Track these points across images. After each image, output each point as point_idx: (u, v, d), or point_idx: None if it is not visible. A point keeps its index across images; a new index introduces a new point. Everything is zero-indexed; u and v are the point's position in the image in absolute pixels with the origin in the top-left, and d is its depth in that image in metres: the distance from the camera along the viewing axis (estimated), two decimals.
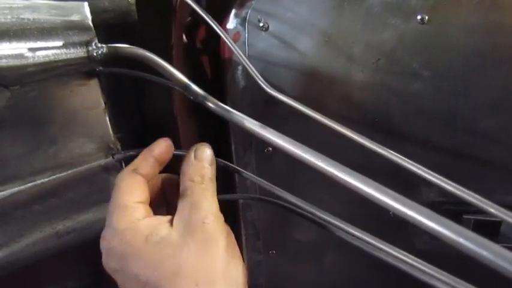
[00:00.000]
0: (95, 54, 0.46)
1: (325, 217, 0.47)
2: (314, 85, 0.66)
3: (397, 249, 0.45)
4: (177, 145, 0.55)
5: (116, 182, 0.46)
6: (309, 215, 0.49)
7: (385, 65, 0.63)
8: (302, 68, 0.66)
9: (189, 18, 0.73)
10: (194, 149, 0.48)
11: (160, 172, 0.53)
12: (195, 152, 0.48)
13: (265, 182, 0.51)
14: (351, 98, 0.65)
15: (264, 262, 0.83)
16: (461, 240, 0.31)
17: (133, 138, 0.71)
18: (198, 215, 0.42)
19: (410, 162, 0.47)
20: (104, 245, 0.45)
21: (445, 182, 0.49)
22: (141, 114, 0.75)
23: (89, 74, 0.51)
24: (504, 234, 0.66)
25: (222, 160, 0.53)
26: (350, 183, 0.37)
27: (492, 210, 0.46)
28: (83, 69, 0.49)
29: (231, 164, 0.52)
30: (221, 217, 0.44)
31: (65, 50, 0.45)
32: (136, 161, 0.48)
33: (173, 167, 0.65)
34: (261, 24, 0.64)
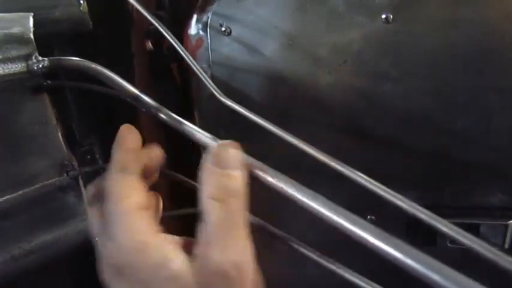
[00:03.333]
0: (35, 68, 0.44)
1: (277, 232, 0.45)
2: (281, 89, 0.64)
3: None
4: None
5: (108, 189, 0.39)
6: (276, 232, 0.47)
7: (352, 66, 0.60)
8: (268, 72, 0.63)
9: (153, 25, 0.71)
10: (215, 151, 0.37)
11: None
12: (216, 154, 0.37)
13: None
14: (319, 101, 0.63)
15: None
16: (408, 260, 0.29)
17: (106, 150, 0.68)
18: (221, 259, 0.32)
19: (367, 179, 0.43)
20: (107, 260, 0.38)
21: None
22: (112, 124, 0.73)
23: (36, 89, 0.48)
24: (483, 237, 0.64)
25: (180, 175, 0.51)
26: (296, 197, 0.35)
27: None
28: (27, 83, 0.46)
29: (190, 181, 0.50)
30: (251, 265, 0.34)
31: (2, 65, 0.43)
32: (118, 160, 0.40)
33: None
34: (223, 29, 0.62)
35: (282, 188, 0.37)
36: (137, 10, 0.62)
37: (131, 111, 0.70)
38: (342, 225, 0.33)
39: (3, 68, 0.43)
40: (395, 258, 0.30)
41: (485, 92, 0.59)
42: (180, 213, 0.69)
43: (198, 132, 0.43)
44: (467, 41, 0.57)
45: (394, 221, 0.65)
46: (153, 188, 0.76)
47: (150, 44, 0.73)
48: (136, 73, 0.67)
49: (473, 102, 0.60)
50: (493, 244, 0.64)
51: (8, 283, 0.55)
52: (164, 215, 0.67)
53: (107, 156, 0.70)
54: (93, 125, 0.69)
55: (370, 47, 0.59)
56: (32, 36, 0.45)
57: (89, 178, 0.60)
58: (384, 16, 0.57)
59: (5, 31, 0.45)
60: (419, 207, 0.36)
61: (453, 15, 0.56)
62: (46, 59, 0.44)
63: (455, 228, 0.35)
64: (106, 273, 0.38)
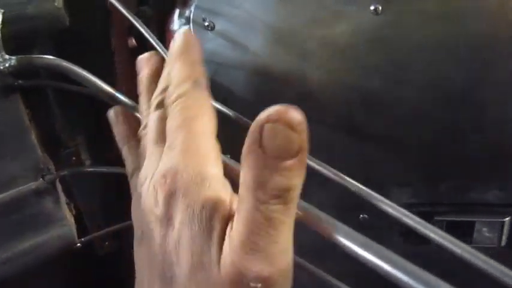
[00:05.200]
0: (1, 67, 0.41)
1: None
2: (268, 85, 0.61)
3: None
4: None
5: (187, 102, 0.32)
6: None
7: (341, 60, 0.58)
8: (254, 67, 0.61)
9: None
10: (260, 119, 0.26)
11: None
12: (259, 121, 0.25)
13: None
14: (308, 97, 0.60)
15: None
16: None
17: (92, 150, 0.66)
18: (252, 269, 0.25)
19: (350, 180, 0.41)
20: (158, 180, 0.30)
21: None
22: (98, 124, 0.71)
23: (5, 89, 0.45)
24: (478, 234, 0.62)
25: None
26: None
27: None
28: None
29: None
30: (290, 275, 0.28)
31: None
32: (191, 72, 0.35)
33: None
34: (206, 24, 0.59)
35: None
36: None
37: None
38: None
39: None
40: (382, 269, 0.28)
41: (481, 86, 0.57)
42: None
43: None
44: (461, 33, 0.54)
45: (387, 220, 0.63)
46: None
47: (133, 41, 0.71)
48: (117, 71, 0.65)
49: (468, 97, 0.58)
50: (489, 242, 0.63)
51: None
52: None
53: (93, 157, 0.68)
54: (78, 125, 0.66)
55: (359, 40, 0.57)
56: None
57: (72, 180, 0.58)
58: (372, 7, 0.54)
59: None
60: (408, 213, 0.34)
61: (445, 6, 0.54)
62: (14, 57, 0.42)
63: (445, 235, 0.33)
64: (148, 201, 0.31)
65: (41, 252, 0.55)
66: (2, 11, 0.47)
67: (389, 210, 0.36)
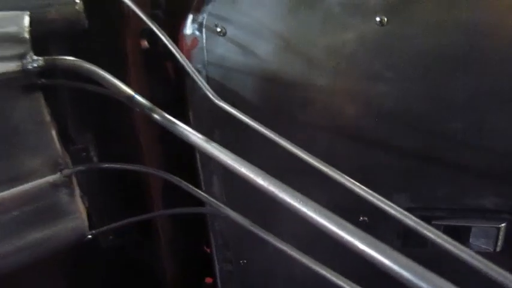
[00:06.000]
0: (30, 67, 0.44)
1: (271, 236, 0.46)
2: (275, 90, 0.64)
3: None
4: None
5: None
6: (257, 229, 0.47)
7: (346, 68, 0.61)
8: (262, 72, 0.64)
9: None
10: None
11: None
12: None
13: (210, 198, 0.49)
14: (313, 103, 0.63)
15: (235, 272, 0.81)
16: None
17: (101, 147, 0.69)
18: None
19: (353, 182, 0.44)
20: None
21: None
22: (106, 124, 0.74)
23: (30, 88, 0.48)
24: (474, 239, 0.65)
25: (174, 177, 0.52)
26: (284, 199, 0.35)
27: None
28: (21, 82, 0.46)
29: (185, 183, 0.51)
30: None
31: None
32: None
33: None
34: (219, 30, 0.62)
35: (273, 192, 0.37)
36: (132, 9, 0.63)
37: (126, 110, 0.70)
38: (331, 230, 0.33)
39: None
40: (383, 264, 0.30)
41: (478, 94, 0.59)
42: (174, 213, 0.69)
43: (191, 133, 0.44)
44: (460, 43, 0.57)
45: (386, 223, 0.65)
46: (147, 187, 0.77)
47: (146, 43, 0.74)
48: (131, 72, 0.67)
49: (466, 104, 0.60)
50: (485, 246, 0.65)
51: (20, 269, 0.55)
52: (158, 214, 0.68)
53: (102, 154, 0.70)
54: (88, 123, 0.69)
55: (364, 49, 0.60)
56: (27, 35, 0.46)
57: (83, 176, 0.60)
58: (378, 18, 0.57)
59: (0, 30, 0.45)
60: (408, 214, 0.37)
61: (446, 17, 0.56)
62: (41, 58, 0.45)
63: (443, 236, 0.35)
64: None
65: (54, 243, 0.57)
66: (28, 13, 0.50)
67: (394, 212, 0.38)
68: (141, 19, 0.67)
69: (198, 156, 0.72)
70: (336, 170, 0.40)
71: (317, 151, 0.51)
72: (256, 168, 0.38)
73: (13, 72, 0.44)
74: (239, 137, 0.58)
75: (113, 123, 0.74)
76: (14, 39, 0.45)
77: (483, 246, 0.64)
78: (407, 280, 0.29)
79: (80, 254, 0.82)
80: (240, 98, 0.64)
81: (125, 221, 0.61)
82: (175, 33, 0.69)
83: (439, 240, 0.37)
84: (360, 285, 0.40)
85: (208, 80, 0.65)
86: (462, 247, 0.36)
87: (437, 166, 0.65)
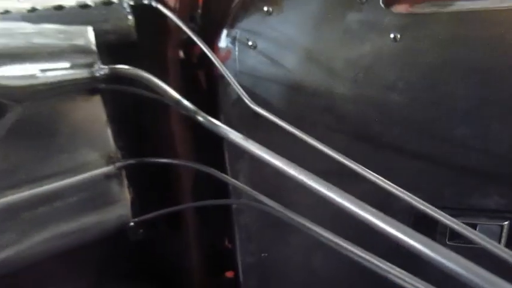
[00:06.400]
0: (97, 74, 0.53)
1: (309, 224, 0.52)
2: (299, 98, 0.72)
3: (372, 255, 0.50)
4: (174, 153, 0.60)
5: None
6: (291, 219, 0.54)
7: (363, 78, 0.68)
8: (288, 82, 0.71)
9: (186, 36, 0.80)
10: None
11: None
12: None
13: (250, 189, 0.56)
14: (333, 109, 0.71)
15: (256, 264, 0.88)
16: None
17: (132, 147, 0.76)
18: None
19: (381, 178, 0.51)
20: None
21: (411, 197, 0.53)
22: (139, 125, 0.82)
23: (92, 91, 0.57)
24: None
25: (212, 169, 0.59)
26: (319, 190, 0.43)
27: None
28: (87, 87, 0.55)
29: (221, 174, 0.58)
30: None
31: (71, 71, 0.52)
32: None
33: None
34: (250, 43, 0.70)
35: (320, 190, 0.44)
36: (174, 24, 0.71)
37: (161, 115, 0.79)
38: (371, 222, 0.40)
39: (72, 74, 0.51)
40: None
41: (484, 103, 0.66)
42: (208, 204, 0.77)
43: (231, 132, 0.51)
44: (466, 57, 0.64)
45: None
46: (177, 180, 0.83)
47: (182, 53, 0.82)
48: (170, 79, 0.76)
49: (472, 112, 0.67)
50: None
51: (55, 257, 0.63)
52: (193, 204, 0.75)
53: (138, 152, 0.77)
54: (125, 125, 0.77)
55: (379, 62, 0.67)
56: (94, 47, 0.54)
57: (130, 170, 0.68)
58: (392, 35, 0.64)
59: (72, 42, 0.54)
60: (430, 206, 0.43)
61: (453, 34, 0.64)
62: (106, 67, 0.53)
63: (465, 226, 0.42)
64: None
65: (102, 226, 0.65)
66: (91, 27, 0.59)
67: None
68: (181, 32, 0.76)
69: (226, 155, 0.79)
70: (368, 171, 0.47)
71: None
72: (291, 163, 0.46)
73: (83, 79, 0.53)
74: (265, 138, 0.65)
75: (147, 127, 0.82)
76: (83, 50, 0.54)
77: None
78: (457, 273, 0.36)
79: (108, 247, 0.89)
80: (268, 104, 0.72)
81: (165, 211, 0.69)
82: (208, 45, 0.77)
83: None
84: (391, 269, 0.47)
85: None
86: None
87: (445, 169, 0.72)
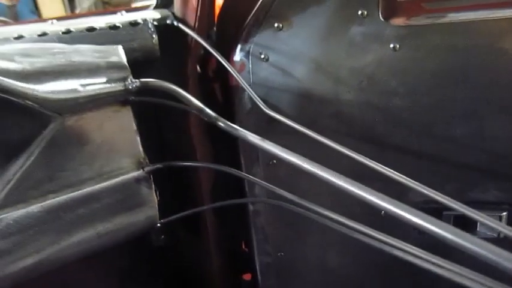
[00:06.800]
0: (130, 87, 0.59)
1: (327, 213, 0.58)
2: (308, 105, 0.78)
3: (395, 239, 0.55)
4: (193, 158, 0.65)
5: None
6: (312, 214, 0.60)
7: (367, 85, 0.74)
8: (298, 91, 0.78)
9: (202, 52, 0.87)
10: None
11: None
12: None
13: (270, 185, 0.62)
14: (340, 114, 0.77)
15: (274, 264, 0.93)
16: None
17: (153, 153, 0.82)
18: None
19: (392, 171, 0.57)
20: None
21: (421, 187, 0.59)
22: (160, 133, 0.88)
23: (124, 103, 0.64)
24: (481, 227, 0.76)
25: (232, 169, 0.65)
26: (333, 181, 0.48)
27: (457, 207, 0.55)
28: (121, 99, 0.62)
29: (240, 172, 0.64)
30: None
31: (107, 85, 0.59)
32: None
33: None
34: (262, 56, 0.77)
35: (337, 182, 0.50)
36: (194, 42, 0.78)
37: (183, 123, 0.85)
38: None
39: (108, 87, 0.58)
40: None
41: (478, 105, 0.72)
42: (221, 205, 0.82)
43: (250, 135, 0.58)
44: (460, 63, 0.70)
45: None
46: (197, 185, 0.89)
47: (198, 68, 0.89)
48: (189, 91, 0.82)
49: (468, 114, 0.73)
50: (490, 233, 0.76)
51: (81, 261, 0.68)
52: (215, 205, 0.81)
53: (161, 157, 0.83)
54: (148, 133, 0.83)
55: (381, 70, 0.73)
56: (126, 63, 0.61)
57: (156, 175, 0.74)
58: (391, 45, 0.71)
59: (106, 59, 0.61)
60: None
61: (447, 43, 0.70)
62: (137, 80, 0.60)
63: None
64: None
65: (132, 227, 0.71)
66: (121, 46, 0.66)
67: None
68: (199, 49, 0.83)
69: (242, 160, 0.85)
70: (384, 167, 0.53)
71: (343, 155, 0.64)
72: (305, 158, 0.52)
73: (118, 91, 0.59)
74: (279, 143, 0.70)
75: (169, 135, 0.88)
76: (116, 66, 0.61)
77: (489, 233, 0.75)
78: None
79: (131, 252, 0.95)
80: (280, 111, 0.78)
81: (188, 212, 0.75)
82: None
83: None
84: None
85: (252, 98, 0.79)
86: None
87: (445, 166, 0.77)
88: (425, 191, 0.56)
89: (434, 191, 0.61)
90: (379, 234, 0.60)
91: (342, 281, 0.94)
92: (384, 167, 0.57)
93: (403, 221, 0.50)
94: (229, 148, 0.85)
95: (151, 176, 0.69)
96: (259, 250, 0.93)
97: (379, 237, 0.59)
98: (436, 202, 0.79)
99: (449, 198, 0.62)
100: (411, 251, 0.57)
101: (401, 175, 0.59)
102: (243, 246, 1.07)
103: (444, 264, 0.53)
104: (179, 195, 0.91)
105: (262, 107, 0.64)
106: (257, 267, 0.96)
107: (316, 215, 0.58)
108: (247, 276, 1.12)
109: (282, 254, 0.92)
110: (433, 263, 0.57)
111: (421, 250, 0.55)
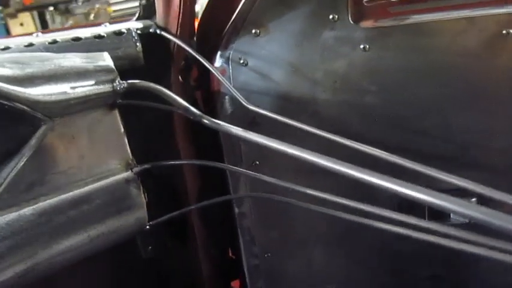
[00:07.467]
0: (118, 88, 0.62)
1: (314, 193, 0.61)
2: (287, 105, 0.83)
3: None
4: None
5: None
6: (300, 202, 0.63)
7: (341, 85, 0.80)
8: (276, 93, 0.82)
9: (183, 63, 0.91)
10: None
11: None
12: None
13: (254, 173, 0.65)
14: (317, 113, 0.82)
15: (261, 265, 0.95)
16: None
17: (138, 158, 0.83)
18: None
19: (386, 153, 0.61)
20: None
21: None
22: (144, 138, 0.90)
23: (111, 106, 0.66)
24: (454, 215, 0.80)
25: (218, 163, 0.68)
26: (320, 162, 0.52)
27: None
28: (109, 101, 0.64)
29: (226, 165, 0.67)
30: None
31: (96, 86, 0.61)
32: None
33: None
34: (242, 61, 0.81)
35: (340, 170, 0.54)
36: (176, 49, 0.82)
37: (166, 126, 0.88)
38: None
39: (97, 89, 0.61)
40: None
41: (443, 99, 0.78)
42: (208, 204, 0.84)
43: (234, 128, 0.61)
44: (426, 60, 0.77)
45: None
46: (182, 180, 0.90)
47: (180, 77, 0.93)
48: None
49: (435, 108, 0.79)
50: (462, 219, 0.80)
51: (83, 260, 0.68)
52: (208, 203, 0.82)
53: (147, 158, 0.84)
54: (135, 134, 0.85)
55: (353, 70, 0.79)
56: (113, 66, 0.64)
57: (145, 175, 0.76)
58: (362, 47, 0.77)
59: (95, 63, 0.64)
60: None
61: (413, 44, 0.76)
62: (125, 82, 0.63)
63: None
64: None
65: (123, 230, 0.72)
66: (107, 53, 0.69)
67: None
68: (181, 57, 0.87)
69: (226, 160, 0.88)
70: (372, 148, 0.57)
71: (322, 151, 0.68)
72: (289, 144, 0.55)
73: (107, 92, 0.62)
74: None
75: (155, 135, 0.90)
76: (104, 69, 0.64)
77: (461, 219, 0.80)
78: None
79: (121, 263, 0.94)
80: (260, 114, 0.82)
81: (176, 213, 0.77)
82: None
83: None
84: None
85: (233, 101, 0.83)
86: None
87: (416, 157, 0.81)
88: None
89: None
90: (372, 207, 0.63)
91: (330, 278, 0.96)
92: (375, 149, 0.62)
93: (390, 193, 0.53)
94: (213, 151, 0.88)
95: (139, 178, 0.71)
96: (247, 253, 0.95)
97: (372, 211, 0.62)
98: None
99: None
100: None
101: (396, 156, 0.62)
102: (230, 254, 1.09)
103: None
104: (165, 199, 0.93)
105: (243, 102, 0.68)
106: (245, 270, 0.97)
107: (304, 201, 0.61)
108: (235, 284, 1.13)
109: (269, 254, 0.94)
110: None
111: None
